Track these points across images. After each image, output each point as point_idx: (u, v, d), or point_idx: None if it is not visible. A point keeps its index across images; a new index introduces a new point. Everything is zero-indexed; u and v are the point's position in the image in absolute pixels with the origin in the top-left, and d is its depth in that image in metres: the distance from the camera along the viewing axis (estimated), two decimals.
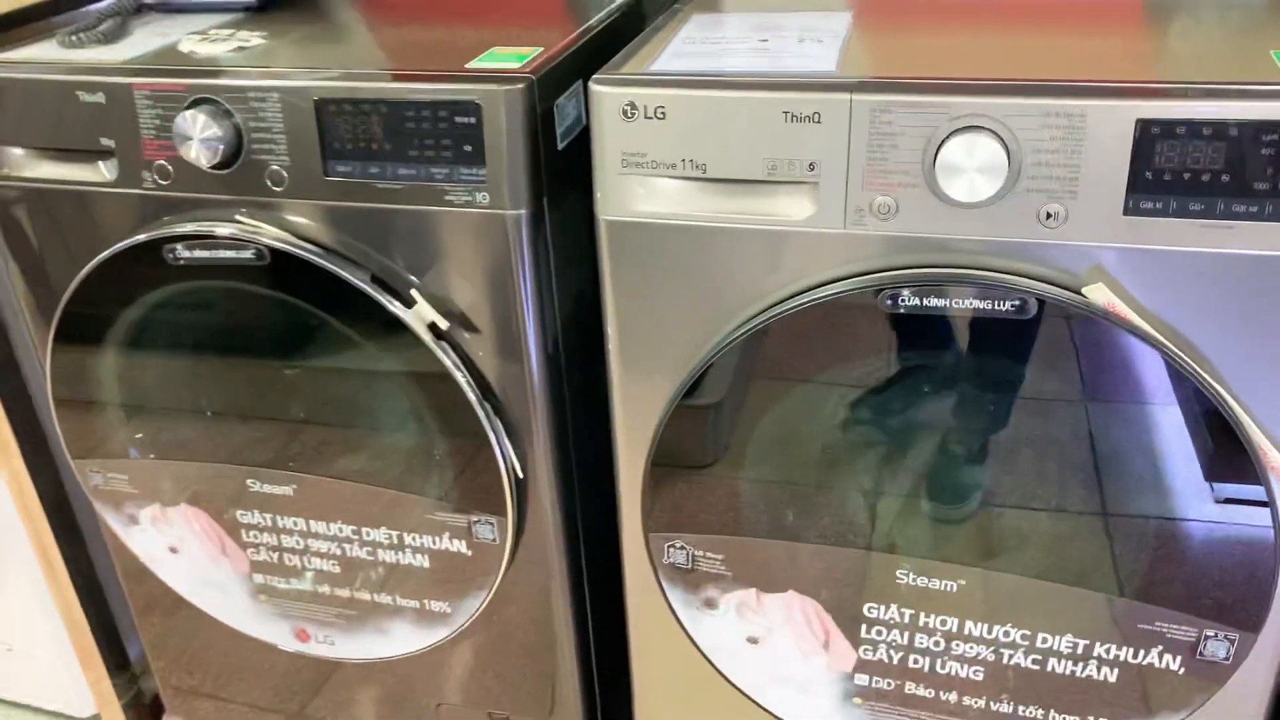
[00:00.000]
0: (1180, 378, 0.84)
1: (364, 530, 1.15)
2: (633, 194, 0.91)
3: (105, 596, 1.41)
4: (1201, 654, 0.93)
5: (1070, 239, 0.83)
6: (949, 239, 0.85)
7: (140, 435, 1.18)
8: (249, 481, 1.17)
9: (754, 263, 0.91)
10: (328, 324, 1.04)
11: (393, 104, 0.93)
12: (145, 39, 1.12)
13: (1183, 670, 0.95)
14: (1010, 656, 1.00)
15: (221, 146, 0.97)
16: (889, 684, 1.06)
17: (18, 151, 1.07)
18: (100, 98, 1.01)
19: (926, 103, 0.81)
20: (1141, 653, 0.95)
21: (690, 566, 1.04)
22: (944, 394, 0.94)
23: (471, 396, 1.02)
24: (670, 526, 1.03)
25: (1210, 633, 0.92)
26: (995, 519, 0.96)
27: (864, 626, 1.03)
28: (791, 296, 0.90)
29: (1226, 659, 0.93)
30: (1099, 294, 0.83)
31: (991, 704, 1.03)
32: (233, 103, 0.97)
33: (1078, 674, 0.99)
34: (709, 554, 1.03)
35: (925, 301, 0.86)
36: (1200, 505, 0.89)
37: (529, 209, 0.95)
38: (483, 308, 1.00)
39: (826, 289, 0.89)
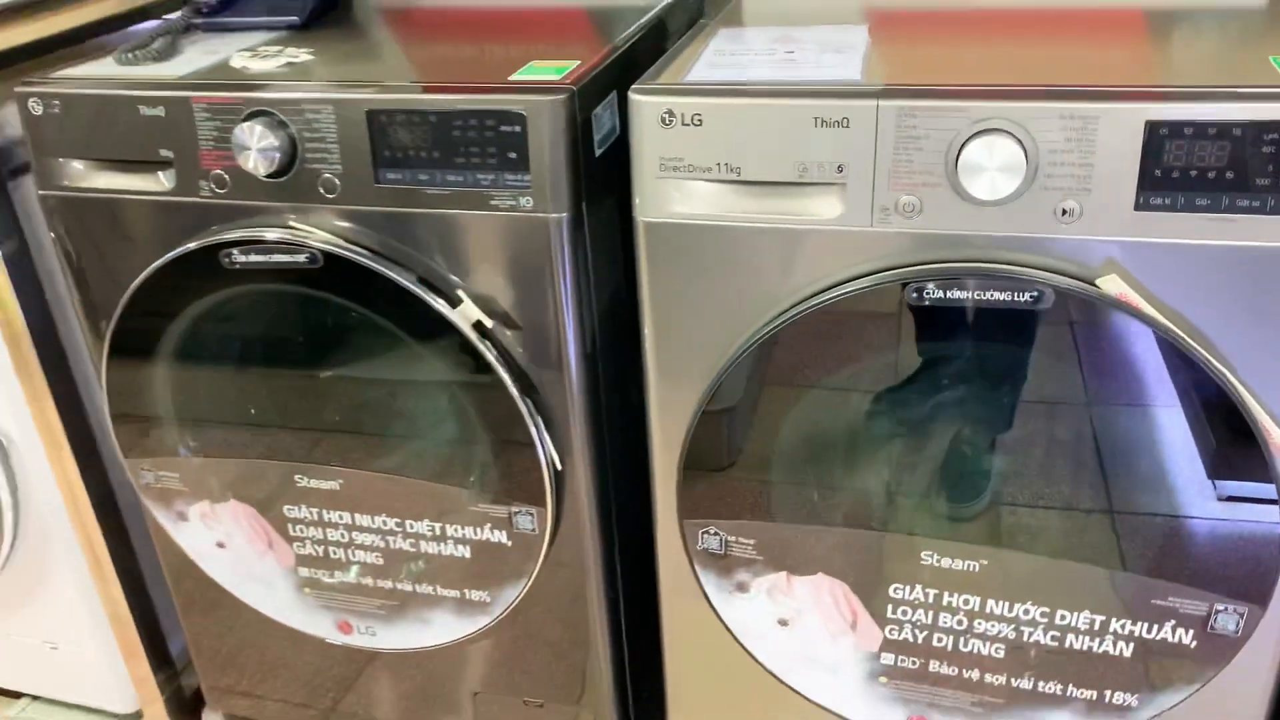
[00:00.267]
0: (1189, 363, 0.89)
1: (407, 523, 1.20)
2: (670, 197, 0.96)
3: (149, 593, 1.45)
4: (1212, 627, 0.98)
5: (1084, 233, 0.88)
6: (970, 235, 0.90)
7: (191, 435, 1.23)
8: (296, 477, 1.22)
9: (785, 260, 0.96)
10: (375, 324, 1.09)
11: (442, 114, 0.99)
12: (197, 56, 1.17)
13: (1194, 644, 1.00)
14: (1030, 634, 1.05)
15: (278, 155, 1.02)
16: (914, 663, 1.10)
17: (78, 165, 1.12)
18: (160, 111, 1.06)
19: (949, 107, 0.87)
20: (1155, 627, 1.00)
21: (723, 552, 1.09)
22: (962, 389, 0.99)
23: (514, 392, 1.07)
24: (704, 513, 1.08)
25: (1220, 606, 0.97)
26: (1007, 515, 1.01)
27: (890, 607, 1.08)
28: (822, 291, 0.95)
29: (1236, 632, 0.98)
30: (1112, 284, 0.88)
31: (1013, 680, 1.08)
32: (288, 114, 1.02)
33: (1094, 650, 1.03)
34: (741, 539, 1.08)
35: (949, 294, 0.91)
36: (1203, 503, 0.94)
37: (570, 213, 1.01)
38: (524, 307, 1.05)
39: (854, 284, 0.94)
